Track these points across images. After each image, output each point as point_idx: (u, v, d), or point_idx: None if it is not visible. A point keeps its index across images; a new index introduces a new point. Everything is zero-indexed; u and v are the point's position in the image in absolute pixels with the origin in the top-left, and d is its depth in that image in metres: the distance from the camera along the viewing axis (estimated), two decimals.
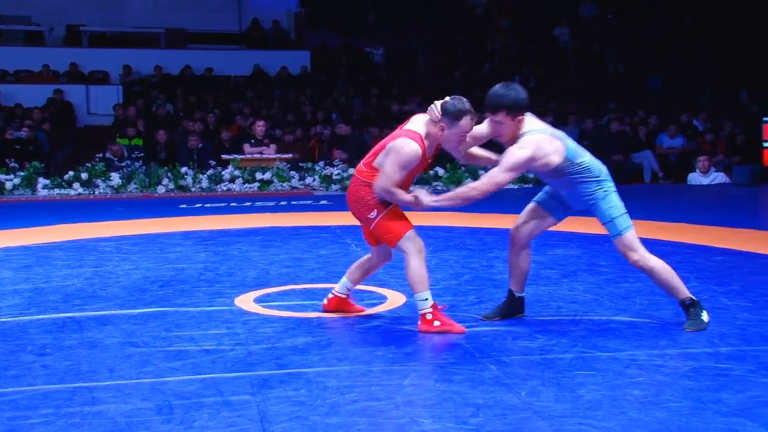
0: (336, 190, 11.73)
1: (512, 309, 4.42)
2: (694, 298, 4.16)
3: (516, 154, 3.96)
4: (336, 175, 11.92)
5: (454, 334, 4.08)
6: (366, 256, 4.53)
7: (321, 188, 11.90)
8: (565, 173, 4.06)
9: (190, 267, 5.97)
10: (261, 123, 12.61)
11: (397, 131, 4.21)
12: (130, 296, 5.05)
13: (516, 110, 3.96)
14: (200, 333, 4.19)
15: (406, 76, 17.21)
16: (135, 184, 11.68)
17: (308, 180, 12.02)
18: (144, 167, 12.01)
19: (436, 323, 4.12)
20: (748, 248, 6.46)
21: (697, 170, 11.88)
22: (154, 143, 12.92)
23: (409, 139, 4.07)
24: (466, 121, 4.02)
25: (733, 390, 3.28)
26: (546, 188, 4.36)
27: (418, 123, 4.16)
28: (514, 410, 3.09)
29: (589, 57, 17.72)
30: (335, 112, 14.68)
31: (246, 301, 4.89)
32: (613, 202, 4.10)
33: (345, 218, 8.56)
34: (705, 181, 11.78)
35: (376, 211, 4.18)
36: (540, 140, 3.97)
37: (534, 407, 3.12)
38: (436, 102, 4.11)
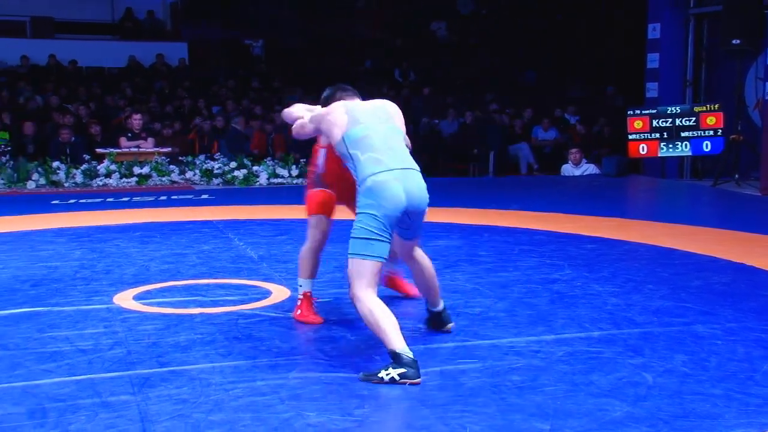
0: (217, 185, 11.53)
1: (430, 323, 4.11)
2: (399, 351, 3.34)
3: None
4: (217, 169, 11.72)
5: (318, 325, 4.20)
6: None
7: (202, 182, 11.66)
8: (343, 160, 3.77)
9: (65, 265, 5.74)
10: (138, 116, 12.24)
11: None
12: None
13: (329, 101, 3.96)
14: (76, 333, 4.05)
15: (287, 69, 17.10)
16: (2, 179, 11.11)
17: (188, 174, 11.75)
18: (12, 162, 11.43)
19: (298, 312, 4.29)
20: (616, 236, 6.79)
21: (570, 162, 12.37)
22: (22, 136, 12.33)
23: None
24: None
25: (603, 372, 3.45)
26: None
27: None
28: (398, 400, 3.14)
29: (466, 51, 18.12)
30: (216, 104, 14.44)
31: (125, 299, 4.75)
32: (364, 222, 3.52)
33: (227, 212, 8.44)
34: (577, 172, 12.27)
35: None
36: (337, 106, 3.79)
37: (418, 396, 3.18)
38: None
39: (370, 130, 3.65)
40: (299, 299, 4.31)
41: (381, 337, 3.42)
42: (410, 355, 3.34)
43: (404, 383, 3.27)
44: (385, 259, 3.55)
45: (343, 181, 4.18)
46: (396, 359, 3.33)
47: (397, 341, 3.37)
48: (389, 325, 3.41)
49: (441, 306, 4.03)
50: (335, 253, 6.11)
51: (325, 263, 5.70)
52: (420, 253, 3.94)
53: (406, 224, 3.70)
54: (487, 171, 13.28)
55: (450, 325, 4.04)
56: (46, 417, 2.97)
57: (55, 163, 11.36)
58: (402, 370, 3.30)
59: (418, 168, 3.71)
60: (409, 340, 3.89)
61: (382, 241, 3.51)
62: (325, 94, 4.05)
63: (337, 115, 3.70)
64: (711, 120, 11.33)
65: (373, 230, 3.49)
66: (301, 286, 4.30)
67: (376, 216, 3.50)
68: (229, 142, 12.65)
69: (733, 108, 11.21)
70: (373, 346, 3.81)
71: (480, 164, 13.43)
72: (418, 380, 3.31)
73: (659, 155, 11.78)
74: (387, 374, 3.30)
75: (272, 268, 5.57)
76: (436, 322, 4.06)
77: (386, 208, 3.50)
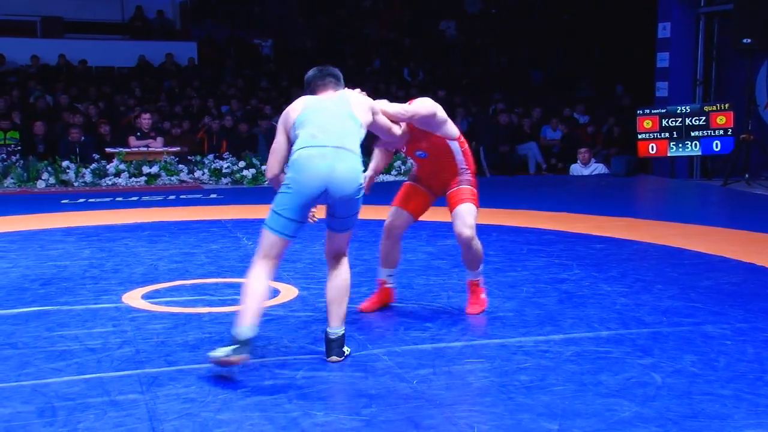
0: (226, 184, 11.55)
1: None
2: (234, 332, 3.37)
3: None
4: (226, 168, 11.74)
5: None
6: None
7: (210, 182, 11.69)
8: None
9: (74, 264, 5.76)
10: (147, 115, 12.28)
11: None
12: (8, 296, 4.83)
13: (306, 89, 3.84)
14: (85, 332, 4.06)
15: (296, 69, 17.12)
16: (12, 178, 11.16)
17: (197, 173, 11.79)
18: (21, 161, 11.48)
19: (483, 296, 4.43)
20: (625, 236, 6.77)
21: (579, 161, 12.34)
22: (32, 136, 12.38)
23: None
24: None
25: (612, 372, 3.44)
26: None
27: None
28: (407, 399, 3.14)
29: (474, 51, 18.10)
30: (225, 104, 14.46)
31: (134, 298, 4.76)
32: (279, 195, 3.54)
33: (235, 212, 8.46)
34: (586, 171, 12.24)
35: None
36: (299, 99, 3.76)
37: (426, 396, 3.18)
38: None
39: (318, 112, 3.62)
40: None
41: (242, 311, 3.43)
42: (242, 336, 3.34)
43: (227, 361, 3.31)
44: (288, 236, 3.52)
45: (434, 176, 4.28)
46: (232, 339, 3.37)
47: (241, 320, 3.39)
48: (246, 304, 3.43)
49: (332, 331, 3.58)
50: None
51: None
52: (342, 265, 3.69)
53: (331, 210, 3.59)
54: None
55: (332, 357, 3.56)
56: (56, 415, 2.98)
57: (65, 163, 11.40)
58: (228, 350, 3.33)
59: (356, 152, 3.57)
60: (416, 341, 3.89)
61: (288, 218, 3.49)
62: (307, 75, 3.84)
63: (296, 105, 3.70)
64: (721, 119, 11.28)
65: (281, 204, 3.50)
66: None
67: (289, 191, 3.48)
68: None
69: (744, 107, 11.16)
70: (380, 344, 3.81)
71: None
72: (243, 357, 3.32)
73: (669, 155, 11.74)
74: (221, 353, 3.35)
75: (280, 268, 5.54)
76: (326, 344, 3.61)
77: (301, 184, 3.46)
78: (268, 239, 3.53)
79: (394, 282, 4.53)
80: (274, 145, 3.74)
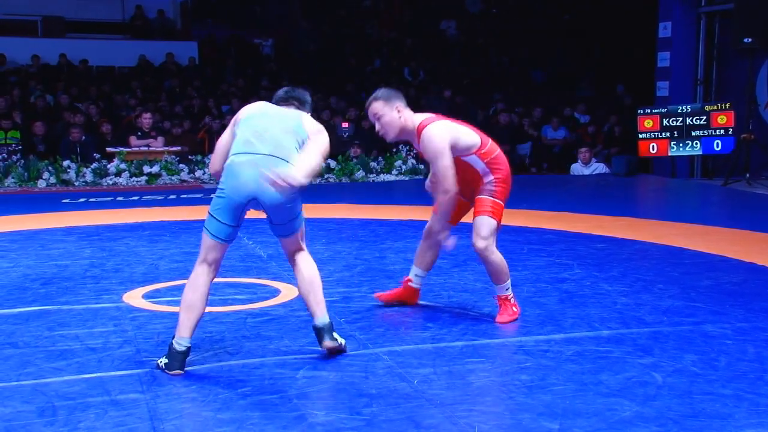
0: None
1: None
2: (172, 341, 3.48)
3: None
4: None
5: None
6: None
7: (211, 182, 11.69)
8: None
9: (75, 263, 5.76)
10: (147, 115, 12.28)
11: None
12: (9, 295, 4.84)
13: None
14: (86, 331, 4.06)
15: (297, 68, 17.12)
16: (13, 178, 11.17)
17: (198, 173, 11.79)
18: (22, 161, 11.49)
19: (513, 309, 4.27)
20: (626, 235, 6.77)
21: (579, 161, 12.33)
22: (32, 135, 12.39)
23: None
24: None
25: (612, 371, 3.44)
26: None
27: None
28: (407, 399, 3.14)
29: (475, 50, 18.09)
30: (225, 104, 14.46)
31: (134, 298, 4.76)
32: (213, 200, 3.63)
33: None
34: (586, 171, 12.24)
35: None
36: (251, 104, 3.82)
37: (426, 395, 3.18)
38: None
39: (263, 117, 3.62)
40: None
41: (181, 321, 3.51)
42: (180, 347, 3.44)
43: (167, 373, 3.42)
44: (222, 240, 3.54)
45: (462, 185, 4.16)
46: (169, 348, 3.47)
47: (179, 329, 3.48)
48: (183, 313, 3.51)
49: (319, 321, 3.61)
50: (343, 252, 6.12)
51: (334, 262, 5.72)
52: (303, 258, 3.71)
53: (268, 217, 3.63)
54: None
55: (325, 343, 3.59)
56: (56, 415, 2.98)
57: (66, 162, 11.41)
58: (166, 360, 3.46)
59: (291, 161, 3.50)
60: (416, 340, 3.89)
61: (221, 221, 3.54)
62: (276, 93, 3.87)
63: (249, 106, 3.73)
64: (722, 119, 11.28)
65: (215, 208, 3.56)
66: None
67: (220, 196, 3.54)
68: None
69: (744, 107, 11.16)
70: (381, 344, 3.81)
71: None
72: (175, 372, 3.42)
73: (669, 154, 11.74)
74: (160, 362, 3.50)
75: (281, 267, 5.57)
76: (317, 335, 3.66)
77: (229, 191, 3.52)
78: (206, 242, 3.57)
79: (420, 283, 4.49)
80: (218, 142, 3.76)
